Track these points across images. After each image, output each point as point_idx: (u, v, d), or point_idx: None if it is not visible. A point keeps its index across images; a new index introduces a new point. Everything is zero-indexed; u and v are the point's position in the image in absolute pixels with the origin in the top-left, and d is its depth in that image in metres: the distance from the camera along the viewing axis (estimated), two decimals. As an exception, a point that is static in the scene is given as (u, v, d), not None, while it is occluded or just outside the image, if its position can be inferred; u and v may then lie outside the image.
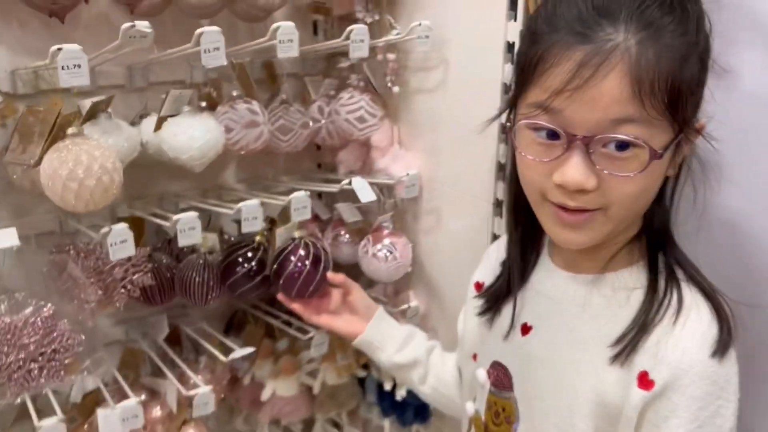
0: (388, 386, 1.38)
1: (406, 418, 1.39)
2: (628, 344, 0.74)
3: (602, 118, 0.67)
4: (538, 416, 0.82)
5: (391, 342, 1.11)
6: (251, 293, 1.24)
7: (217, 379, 1.38)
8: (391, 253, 1.31)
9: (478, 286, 1.00)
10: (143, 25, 0.89)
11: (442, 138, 1.29)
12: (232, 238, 1.34)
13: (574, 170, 0.69)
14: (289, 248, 1.16)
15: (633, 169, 0.68)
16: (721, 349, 0.71)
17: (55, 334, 0.92)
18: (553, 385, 0.80)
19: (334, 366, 1.42)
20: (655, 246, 0.78)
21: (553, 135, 0.71)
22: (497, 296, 0.91)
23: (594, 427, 0.77)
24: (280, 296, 1.18)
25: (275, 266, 1.17)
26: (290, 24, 1.03)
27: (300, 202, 1.14)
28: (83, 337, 0.98)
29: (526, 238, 0.88)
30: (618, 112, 0.66)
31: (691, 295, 0.74)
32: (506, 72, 1.12)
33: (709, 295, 0.74)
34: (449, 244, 1.33)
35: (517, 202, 0.86)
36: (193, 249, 1.28)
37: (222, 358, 1.21)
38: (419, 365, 1.10)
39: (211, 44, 0.96)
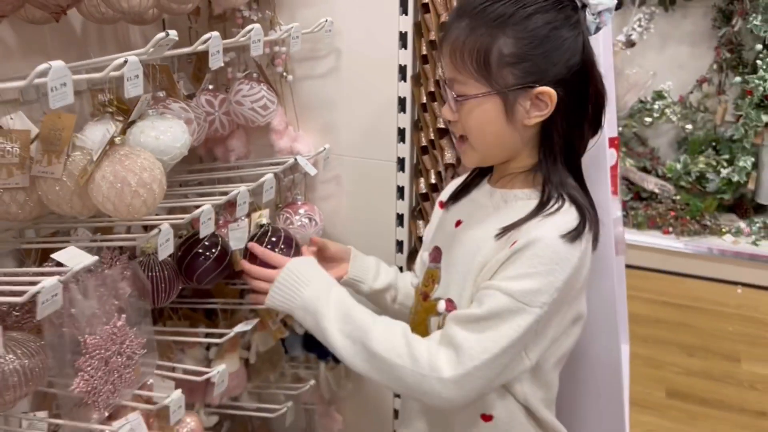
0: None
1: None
2: (511, 227, 1.05)
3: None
4: (451, 276, 1.13)
5: (368, 274, 1.32)
6: (219, 278, 1.33)
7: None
8: (310, 219, 1.52)
9: (441, 204, 1.30)
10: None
11: (340, 116, 1.54)
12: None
13: (445, 106, 1.09)
14: (261, 234, 1.29)
15: (455, 107, 1.04)
16: (571, 236, 0.97)
17: (127, 342, 0.94)
18: (463, 256, 1.12)
19: (266, 333, 1.57)
20: (547, 175, 1.06)
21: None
22: (450, 200, 1.24)
23: (474, 280, 1.09)
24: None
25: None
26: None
27: (243, 197, 1.27)
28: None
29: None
30: (448, 72, 1.03)
31: (567, 205, 1.06)
32: (401, 57, 1.43)
33: (579, 204, 1.06)
34: (358, 203, 1.59)
35: None
36: (133, 253, 1.30)
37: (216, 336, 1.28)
38: (392, 287, 1.34)
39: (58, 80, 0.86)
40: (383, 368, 1.00)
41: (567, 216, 1.01)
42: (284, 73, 1.51)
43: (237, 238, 1.36)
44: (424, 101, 1.45)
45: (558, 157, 1.04)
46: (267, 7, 1.47)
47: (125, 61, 0.93)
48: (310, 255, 1.24)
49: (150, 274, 1.26)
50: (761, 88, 3.38)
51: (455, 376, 0.96)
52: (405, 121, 1.48)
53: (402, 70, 1.44)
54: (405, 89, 1.46)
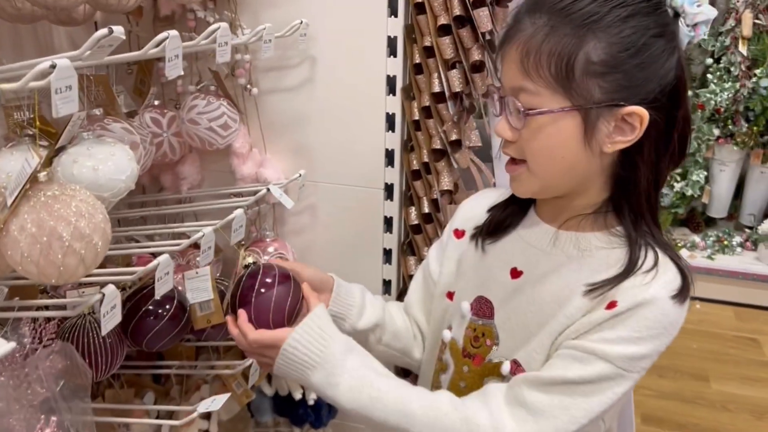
0: (298, 395, 1.34)
1: (322, 415, 1.37)
2: (605, 285, 0.89)
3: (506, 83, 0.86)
4: (516, 335, 0.97)
5: (352, 310, 1.09)
6: (174, 341, 1.06)
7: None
8: (281, 258, 1.27)
9: (459, 233, 1.10)
10: None
11: (314, 135, 1.30)
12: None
13: (501, 122, 0.89)
14: (250, 276, 1.02)
15: (519, 124, 0.86)
16: (680, 296, 0.86)
17: None
18: (534, 315, 0.95)
19: (230, 400, 1.30)
20: (633, 219, 0.93)
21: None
22: (482, 232, 1.03)
23: (552, 341, 0.93)
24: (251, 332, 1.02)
25: (246, 297, 1.01)
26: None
27: (208, 241, 1.01)
28: None
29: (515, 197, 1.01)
30: (513, 78, 0.84)
31: (662, 257, 0.92)
32: (389, 66, 1.21)
33: (673, 258, 0.92)
34: (337, 237, 1.36)
35: None
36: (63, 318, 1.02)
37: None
38: (378, 327, 1.12)
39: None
40: None
41: (669, 272, 0.88)
42: (248, 86, 1.27)
43: (196, 288, 1.10)
44: (417, 118, 1.24)
45: (643, 195, 0.89)
46: (225, 8, 1.22)
47: (53, 66, 0.67)
48: (314, 296, 1.01)
49: (85, 339, 0.99)
50: (712, 102, 3.36)
51: None
52: (394, 141, 1.26)
53: (390, 81, 1.22)
54: (394, 104, 1.24)
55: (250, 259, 1.04)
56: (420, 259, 1.33)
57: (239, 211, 1.00)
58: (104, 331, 0.79)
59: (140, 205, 1.37)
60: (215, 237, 1.11)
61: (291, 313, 1.00)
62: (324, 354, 0.90)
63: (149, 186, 1.40)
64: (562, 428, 0.84)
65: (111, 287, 0.77)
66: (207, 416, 1.30)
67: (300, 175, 1.25)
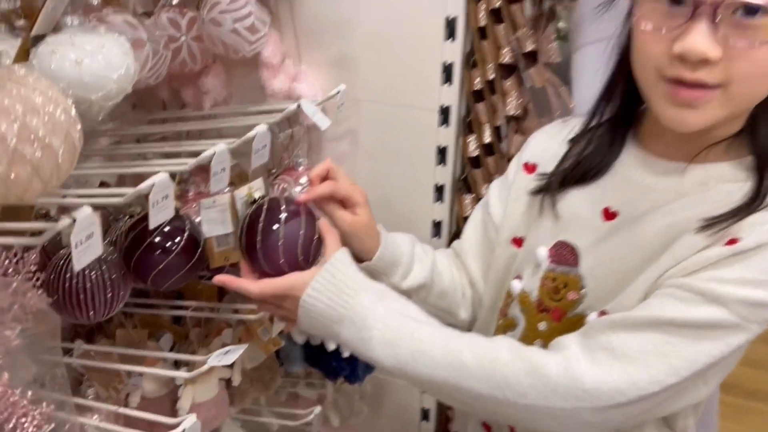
0: (331, 345, 1.18)
1: (359, 369, 1.21)
2: (725, 218, 0.73)
3: None
4: (607, 284, 0.81)
5: (397, 269, 0.93)
6: (185, 279, 0.90)
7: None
8: (315, 191, 1.09)
9: (529, 167, 0.92)
10: None
11: (358, 45, 1.09)
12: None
13: (700, 38, 0.66)
14: (255, 212, 0.85)
15: (762, 38, 0.66)
16: None
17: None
18: (630, 258, 0.79)
19: (254, 346, 1.15)
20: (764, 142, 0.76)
21: (677, 0, 0.67)
22: (567, 178, 0.86)
23: (649, 285, 0.77)
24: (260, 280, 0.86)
25: (251, 238, 0.84)
26: None
27: (221, 160, 0.82)
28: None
29: (615, 123, 0.82)
30: None
31: None
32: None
33: None
34: (381, 168, 1.17)
35: (610, 84, 0.83)
36: (59, 243, 0.87)
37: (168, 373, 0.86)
38: (423, 288, 0.97)
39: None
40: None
41: None
42: (280, -19, 1.06)
43: (213, 220, 0.93)
44: (484, 23, 1.02)
45: None
46: None
47: None
48: (332, 234, 0.85)
49: (82, 275, 0.83)
50: None
51: (611, 390, 0.71)
52: (453, 52, 1.05)
53: (452, -22, 1.00)
54: (456, 6, 1.02)
55: (257, 194, 0.86)
56: (478, 198, 1.12)
57: (261, 128, 0.82)
58: (77, 266, 0.63)
59: (161, 122, 1.20)
60: (241, 162, 0.94)
61: (306, 253, 0.83)
62: (351, 305, 0.78)
63: (170, 101, 1.23)
64: (659, 379, 0.70)
65: (86, 210, 0.60)
66: (230, 364, 1.16)
67: (339, 92, 1.04)
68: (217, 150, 0.75)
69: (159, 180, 0.66)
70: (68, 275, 0.84)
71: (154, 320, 1.17)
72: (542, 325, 0.87)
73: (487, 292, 1.00)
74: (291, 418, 1.22)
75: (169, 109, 1.25)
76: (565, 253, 0.85)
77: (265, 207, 0.85)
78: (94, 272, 0.84)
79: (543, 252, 0.87)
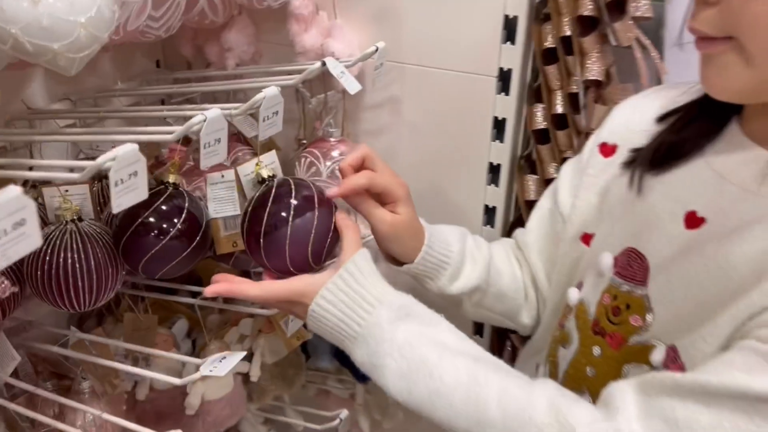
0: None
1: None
2: None
3: None
4: (681, 311, 0.63)
5: (444, 270, 0.79)
6: (184, 267, 0.77)
7: (115, 406, 0.90)
8: (348, 167, 0.93)
9: (607, 149, 0.74)
10: None
11: (404, -5, 0.92)
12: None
13: None
14: (263, 196, 0.71)
15: None
16: None
17: None
18: (713, 283, 0.60)
19: (276, 338, 1.02)
20: None
21: None
22: (652, 161, 0.67)
23: (737, 325, 0.58)
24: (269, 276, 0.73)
25: (254, 227, 0.70)
26: None
27: (214, 129, 0.65)
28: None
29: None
30: None
31: None
32: None
33: None
34: (427, 141, 0.99)
35: None
36: (43, 219, 0.75)
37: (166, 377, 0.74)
38: (477, 291, 0.82)
39: None
40: None
41: None
42: None
43: (220, 198, 0.79)
44: (558, -33, 0.82)
45: None
46: None
47: None
48: (351, 230, 0.70)
49: (63, 258, 0.71)
50: None
51: None
52: (518, 2, 0.86)
53: None
54: (524, -56, 0.82)
55: (266, 172, 0.71)
56: (543, 182, 0.94)
57: (271, 90, 0.66)
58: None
59: (185, 82, 1.07)
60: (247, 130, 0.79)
61: (318, 252, 0.70)
62: (367, 322, 0.64)
63: (194, 60, 1.09)
64: None
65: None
66: (248, 356, 1.03)
67: (376, 50, 0.87)
68: (209, 116, 0.59)
69: (122, 153, 0.52)
70: (47, 258, 0.72)
71: (169, 303, 1.06)
72: (596, 350, 0.70)
73: (550, 295, 0.83)
74: (316, 420, 1.09)
75: (194, 68, 1.11)
76: (633, 266, 0.67)
77: (273, 190, 0.70)
78: (74, 254, 0.72)
79: (607, 259, 0.70)
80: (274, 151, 0.76)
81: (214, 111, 0.61)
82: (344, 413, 1.05)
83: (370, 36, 0.94)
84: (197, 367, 0.74)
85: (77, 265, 0.72)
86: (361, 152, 0.73)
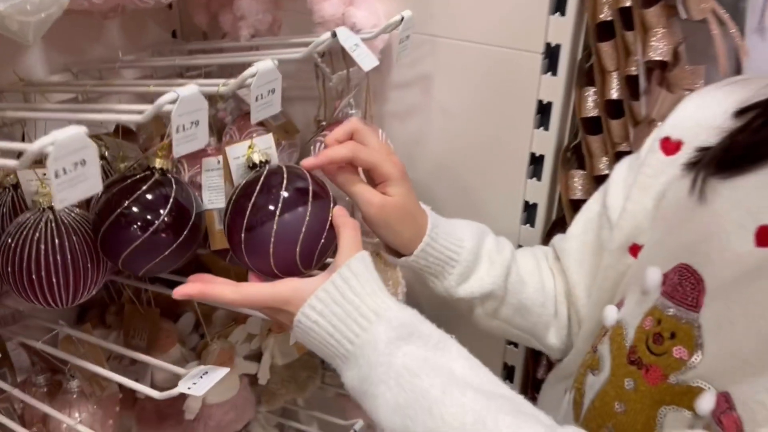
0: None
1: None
2: None
3: None
4: (739, 348, 0.51)
5: (453, 268, 0.69)
6: (171, 263, 0.68)
7: (106, 407, 0.83)
8: (369, 154, 0.82)
9: (670, 145, 0.62)
10: None
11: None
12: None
13: None
14: (251, 183, 0.62)
15: None
16: None
17: None
18: None
19: (288, 338, 0.93)
20: None
21: None
22: (720, 162, 0.55)
23: None
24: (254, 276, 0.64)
25: (235, 220, 0.61)
26: None
27: (188, 109, 0.54)
28: None
29: None
30: None
31: None
32: None
33: None
34: (460, 126, 0.88)
35: None
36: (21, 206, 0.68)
37: (150, 392, 0.65)
38: (491, 299, 0.72)
39: None
40: None
41: None
42: None
43: (215, 187, 0.70)
44: None
45: None
46: None
47: None
48: (349, 228, 0.60)
49: (36, 251, 0.64)
50: None
51: None
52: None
53: None
54: None
55: (257, 157, 0.62)
56: (592, 178, 0.81)
57: (264, 65, 0.56)
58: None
59: (201, 53, 0.98)
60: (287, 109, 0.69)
61: (308, 253, 0.60)
62: (361, 340, 0.54)
63: (210, 30, 1.00)
64: None
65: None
66: (257, 357, 0.95)
67: (402, 20, 0.75)
68: (182, 95, 0.50)
69: (63, 138, 0.42)
70: (18, 250, 0.64)
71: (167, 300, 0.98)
72: (629, 383, 0.59)
73: (588, 314, 0.71)
74: (330, 428, 1.00)
75: (210, 39, 1.02)
76: (684, 286, 0.55)
77: (262, 178, 0.61)
78: (48, 246, 0.64)
79: (655, 275, 0.59)
80: (270, 135, 0.66)
81: (189, 88, 0.51)
82: (359, 424, 0.95)
83: (398, 4, 0.83)
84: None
85: (51, 259, 0.64)
86: (350, 125, 0.64)
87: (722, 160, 0.54)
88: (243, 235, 0.59)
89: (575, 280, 0.72)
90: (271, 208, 0.58)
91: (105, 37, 0.93)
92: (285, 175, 0.60)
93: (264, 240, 0.58)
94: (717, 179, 0.54)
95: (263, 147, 0.64)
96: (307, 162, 0.62)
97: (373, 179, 0.65)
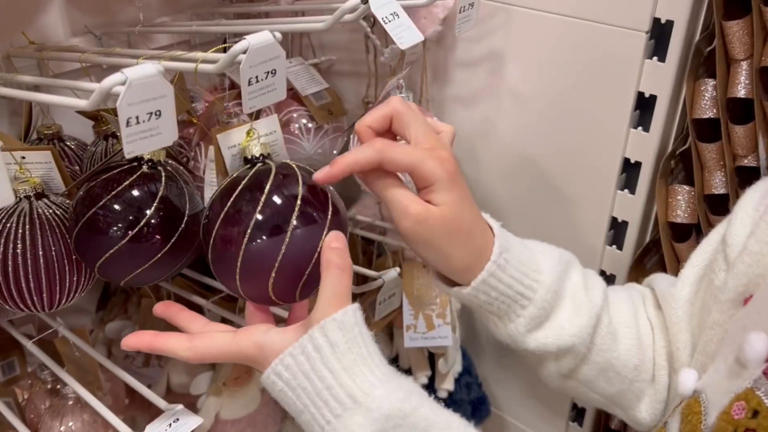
0: (423, 378, 0.80)
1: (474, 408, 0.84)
2: None
3: None
4: None
5: (522, 305, 0.53)
6: (161, 271, 0.57)
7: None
8: (418, 148, 0.67)
9: None
10: None
11: None
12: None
13: None
14: (249, 183, 0.49)
15: None
16: None
17: None
18: None
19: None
20: None
21: None
22: None
23: None
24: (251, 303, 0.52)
25: (208, 230, 0.49)
26: None
27: (149, 88, 0.41)
28: None
29: None
30: None
31: None
32: None
33: None
34: (534, 117, 0.71)
35: None
36: None
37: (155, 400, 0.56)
38: (571, 355, 0.55)
39: None
40: None
41: None
42: None
43: (213, 183, 0.58)
44: None
45: None
46: None
47: None
48: (337, 269, 0.45)
49: (3, 246, 0.55)
50: None
51: None
52: None
53: None
54: None
55: (257, 150, 0.48)
56: (702, 198, 0.62)
57: (260, 37, 0.42)
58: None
59: (246, 17, 0.86)
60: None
61: (284, 287, 0.47)
62: (332, 428, 0.42)
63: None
64: None
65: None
66: None
67: (463, -18, 0.60)
68: (130, 77, 0.37)
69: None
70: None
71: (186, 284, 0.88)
72: None
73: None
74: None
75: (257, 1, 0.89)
76: None
77: (243, 182, 0.48)
78: (18, 244, 0.55)
79: (759, 344, 0.41)
80: (276, 118, 0.52)
81: (142, 68, 0.38)
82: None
83: (465, -36, 0.66)
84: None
85: (20, 260, 0.55)
86: (388, 107, 0.48)
87: None
88: (209, 251, 0.47)
89: (683, 339, 0.54)
90: (237, 230, 0.45)
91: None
92: (269, 183, 0.46)
93: (228, 265, 0.46)
94: None
95: (268, 131, 0.50)
96: (320, 175, 0.48)
97: (417, 182, 0.49)
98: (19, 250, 0.55)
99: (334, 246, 0.45)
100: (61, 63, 0.73)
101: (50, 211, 0.57)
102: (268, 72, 0.46)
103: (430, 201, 0.48)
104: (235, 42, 0.46)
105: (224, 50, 0.44)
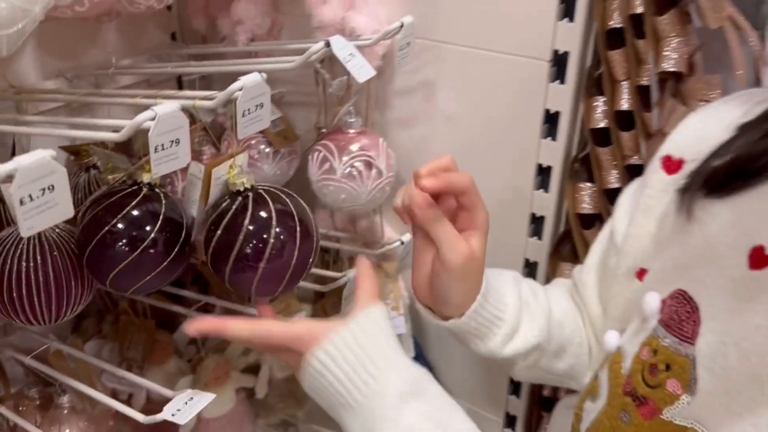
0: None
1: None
2: None
3: None
4: (735, 392, 0.47)
5: (498, 328, 0.65)
6: (161, 281, 0.66)
7: (99, 423, 0.81)
8: (368, 166, 0.79)
9: (672, 164, 0.58)
10: None
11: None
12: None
13: None
14: (234, 214, 0.60)
15: None
16: None
17: None
18: None
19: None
20: None
21: None
22: (714, 179, 0.51)
23: None
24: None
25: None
26: None
27: (171, 121, 0.53)
28: None
29: None
30: None
31: None
32: None
33: None
34: (463, 135, 0.85)
35: None
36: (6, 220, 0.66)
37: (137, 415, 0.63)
38: (535, 351, 0.68)
39: None
40: None
41: None
42: None
43: (193, 201, 0.68)
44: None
45: None
46: None
47: None
48: (368, 278, 0.58)
49: (17, 266, 0.62)
50: None
51: None
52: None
53: None
54: None
55: (241, 180, 0.59)
56: (601, 192, 0.78)
57: (253, 78, 0.53)
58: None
59: (200, 58, 0.96)
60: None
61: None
62: (372, 390, 0.51)
63: (209, 33, 0.97)
64: None
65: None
66: (254, 370, 0.93)
67: (401, 26, 0.72)
68: (160, 113, 0.47)
69: (26, 164, 0.40)
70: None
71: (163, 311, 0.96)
72: (624, 416, 0.55)
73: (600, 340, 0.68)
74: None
75: (210, 43, 0.99)
76: (680, 314, 0.51)
77: (229, 215, 0.60)
78: (29, 264, 0.62)
79: (653, 301, 0.55)
80: (246, 154, 0.63)
81: (167, 106, 0.48)
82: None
83: (402, 8, 0.79)
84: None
85: (32, 277, 0.62)
86: (444, 160, 0.58)
87: (713, 176, 0.50)
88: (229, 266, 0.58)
89: (596, 313, 0.68)
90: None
91: (102, 41, 0.91)
92: (246, 215, 0.58)
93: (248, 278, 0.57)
94: (711, 198, 0.50)
95: (236, 170, 0.61)
96: (429, 182, 0.56)
97: (458, 224, 0.60)
98: (31, 269, 0.62)
99: (364, 262, 0.57)
100: (35, 104, 0.81)
101: (55, 233, 0.65)
102: (257, 105, 0.57)
103: (469, 242, 0.59)
104: (192, 80, 0.55)
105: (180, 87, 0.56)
